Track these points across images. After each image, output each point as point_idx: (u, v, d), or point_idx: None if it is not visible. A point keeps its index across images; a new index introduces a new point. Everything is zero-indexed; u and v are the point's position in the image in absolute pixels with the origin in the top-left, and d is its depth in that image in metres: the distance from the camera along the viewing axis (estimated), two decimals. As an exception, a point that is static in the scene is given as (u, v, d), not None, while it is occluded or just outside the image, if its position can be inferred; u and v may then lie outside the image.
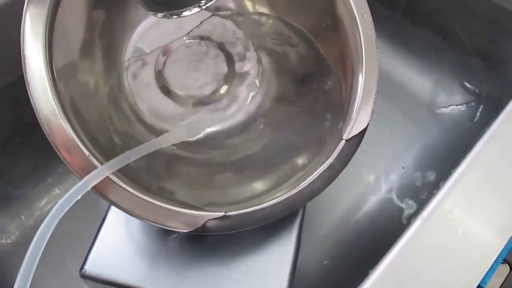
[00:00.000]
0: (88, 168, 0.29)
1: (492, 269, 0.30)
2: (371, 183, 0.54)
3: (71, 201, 0.27)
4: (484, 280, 0.29)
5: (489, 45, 0.53)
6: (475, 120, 0.55)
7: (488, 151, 0.35)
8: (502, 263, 0.36)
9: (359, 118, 0.34)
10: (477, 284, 0.29)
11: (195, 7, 0.32)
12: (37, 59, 0.31)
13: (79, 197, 0.27)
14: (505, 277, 0.33)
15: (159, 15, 0.33)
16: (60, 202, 0.27)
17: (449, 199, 0.32)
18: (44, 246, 0.26)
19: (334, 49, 0.38)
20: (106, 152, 0.32)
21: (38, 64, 0.31)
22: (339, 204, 0.53)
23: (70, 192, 0.27)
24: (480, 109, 0.55)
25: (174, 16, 0.33)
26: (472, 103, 0.56)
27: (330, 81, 0.38)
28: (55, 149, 0.29)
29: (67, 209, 0.27)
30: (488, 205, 0.33)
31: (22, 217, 0.51)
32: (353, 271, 0.48)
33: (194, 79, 0.40)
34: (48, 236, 0.26)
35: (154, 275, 0.35)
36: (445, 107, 0.58)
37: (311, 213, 0.45)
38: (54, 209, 0.26)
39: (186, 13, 0.33)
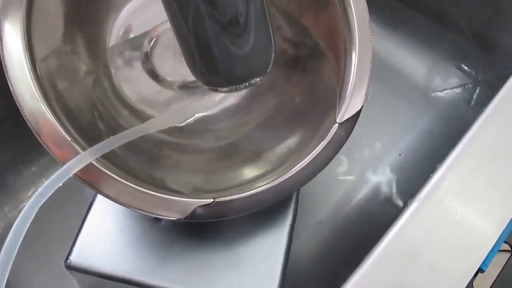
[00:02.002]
0: (71, 155, 0.28)
1: (492, 251, 0.29)
2: (366, 169, 0.54)
3: (52, 188, 0.26)
4: (485, 262, 0.28)
5: (485, 27, 0.52)
6: (472, 104, 0.54)
7: (484, 133, 0.34)
8: (500, 250, 0.35)
9: (353, 100, 0.33)
10: (477, 267, 0.29)
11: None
12: (15, 42, 0.29)
13: (61, 184, 0.26)
14: (506, 259, 0.32)
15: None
16: (40, 189, 0.26)
17: (447, 180, 0.31)
18: (23, 235, 0.25)
19: (326, 31, 0.37)
20: (91, 139, 0.31)
21: (16, 47, 0.29)
22: (333, 191, 0.52)
23: (50, 178, 0.26)
24: (476, 92, 0.54)
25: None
26: (469, 85, 0.55)
27: (322, 63, 0.37)
28: (34, 133, 0.28)
29: (47, 196, 0.26)
30: (488, 186, 0.32)
31: (6, 208, 0.50)
32: (347, 258, 0.48)
33: (182, 63, 0.38)
34: (28, 225, 0.25)
35: (142, 265, 0.34)
36: (440, 91, 0.57)
37: (304, 201, 0.44)
38: (33, 197, 0.25)
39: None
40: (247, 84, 0.30)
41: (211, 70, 0.29)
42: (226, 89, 0.30)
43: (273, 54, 0.30)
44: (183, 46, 0.29)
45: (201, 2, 0.24)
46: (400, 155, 0.54)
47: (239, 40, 0.27)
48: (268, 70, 0.30)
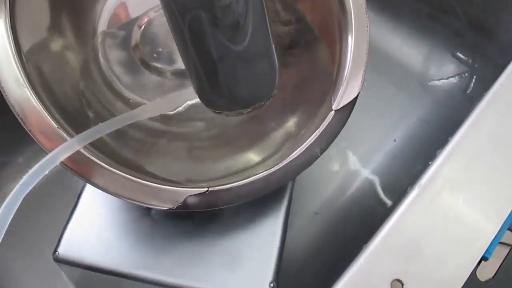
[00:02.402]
0: (58, 142, 0.27)
1: (496, 239, 0.28)
2: (361, 158, 0.53)
3: (37, 177, 0.25)
4: (489, 250, 0.28)
5: (482, 13, 0.51)
6: (468, 92, 0.54)
7: (486, 119, 0.33)
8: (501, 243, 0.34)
9: (349, 87, 0.32)
10: (481, 255, 0.28)
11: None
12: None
13: (47, 172, 0.25)
14: (510, 248, 0.31)
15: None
16: (24, 178, 0.25)
17: (448, 167, 0.30)
18: (7, 225, 0.24)
19: (321, 16, 0.36)
20: (79, 127, 0.29)
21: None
22: (327, 181, 0.52)
23: (36, 166, 0.25)
24: (473, 80, 0.53)
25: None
26: (465, 74, 0.54)
27: (317, 49, 0.36)
28: (19, 120, 0.27)
29: (32, 185, 0.25)
30: (490, 172, 0.31)
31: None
32: (343, 249, 0.47)
33: (173, 50, 0.37)
34: (12, 215, 0.24)
35: (132, 257, 0.33)
36: (437, 79, 0.56)
37: (298, 191, 0.43)
38: (17, 185, 0.24)
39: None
40: (251, 108, 0.30)
41: (217, 94, 0.29)
42: (231, 112, 0.30)
43: (277, 77, 0.29)
44: (189, 68, 0.28)
45: (204, 13, 0.23)
46: (395, 140, 0.53)
47: (245, 64, 0.27)
48: (274, 93, 0.30)
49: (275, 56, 0.29)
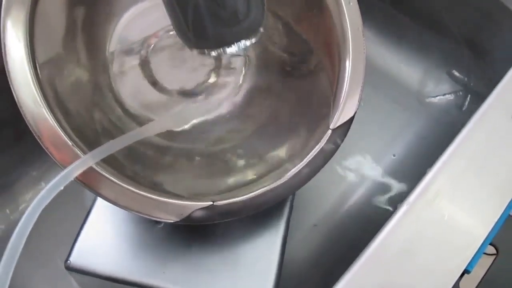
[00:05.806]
0: (72, 158, 0.29)
1: (478, 253, 0.30)
2: (359, 173, 0.54)
3: (53, 191, 0.26)
4: (471, 264, 0.29)
5: (477, 33, 0.53)
6: (464, 109, 0.55)
7: (473, 138, 0.34)
8: (486, 253, 0.35)
9: (346, 107, 0.33)
10: (463, 268, 0.29)
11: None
12: (18, 48, 0.30)
13: (62, 188, 0.27)
14: (492, 260, 0.33)
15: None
16: (42, 192, 0.26)
17: (435, 184, 0.32)
18: (25, 238, 0.25)
19: (321, 38, 0.38)
20: (91, 143, 0.31)
21: (19, 53, 0.30)
22: (327, 194, 0.53)
23: (52, 182, 0.27)
24: (468, 98, 0.55)
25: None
26: (460, 92, 0.56)
27: (317, 70, 0.38)
28: (36, 138, 0.29)
29: (49, 199, 0.26)
30: (474, 190, 0.33)
31: (7, 210, 0.50)
32: (341, 261, 0.48)
33: (180, 70, 0.39)
34: (30, 228, 0.25)
35: (141, 266, 0.34)
36: (433, 96, 0.57)
37: (299, 203, 0.45)
38: (36, 199, 0.26)
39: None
40: (237, 47, 0.28)
41: (197, 29, 0.27)
42: (214, 52, 0.29)
43: (264, 13, 0.28)
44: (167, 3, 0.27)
45: None
46: (394, 155, 0.54)
47: None
48: (261, 30, 0.28)
49: None
